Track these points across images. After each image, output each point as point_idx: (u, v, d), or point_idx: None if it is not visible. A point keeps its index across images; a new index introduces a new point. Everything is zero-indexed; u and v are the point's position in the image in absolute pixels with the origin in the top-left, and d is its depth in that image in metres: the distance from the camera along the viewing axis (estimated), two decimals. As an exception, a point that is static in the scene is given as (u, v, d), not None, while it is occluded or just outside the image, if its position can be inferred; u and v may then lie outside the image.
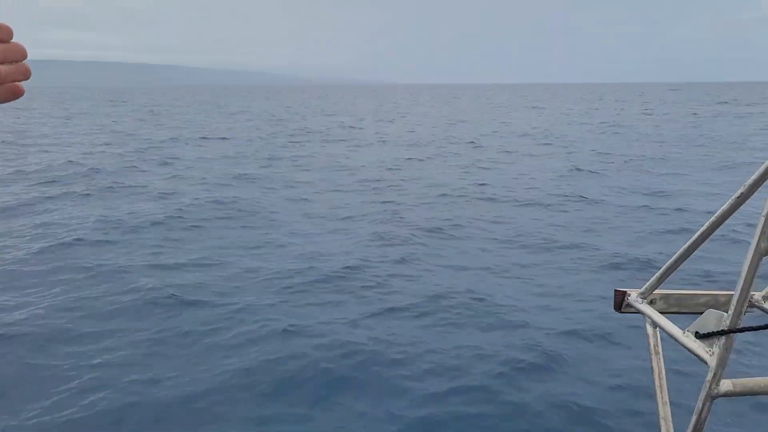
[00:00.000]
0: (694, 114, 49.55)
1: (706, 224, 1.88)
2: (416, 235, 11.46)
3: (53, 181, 17.60)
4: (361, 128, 39.14)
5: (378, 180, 18.29)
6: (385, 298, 8.11)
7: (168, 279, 8.76)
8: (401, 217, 13.01)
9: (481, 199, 15.21)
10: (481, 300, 7.99)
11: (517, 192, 16.09)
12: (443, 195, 15.65)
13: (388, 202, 14.73)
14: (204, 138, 31.96)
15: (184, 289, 8.34)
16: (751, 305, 2.27)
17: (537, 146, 27.32)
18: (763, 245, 1.68)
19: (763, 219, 1.64)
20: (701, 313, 2.36)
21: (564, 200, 14.75)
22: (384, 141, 30.40)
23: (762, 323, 2.06)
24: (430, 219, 12.85)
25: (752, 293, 2.17)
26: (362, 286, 8.59)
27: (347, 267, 9.35)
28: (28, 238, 11.27)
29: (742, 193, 1.74)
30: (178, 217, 12.82)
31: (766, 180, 1.68)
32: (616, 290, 2.36)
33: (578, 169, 19.80)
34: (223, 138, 32.22)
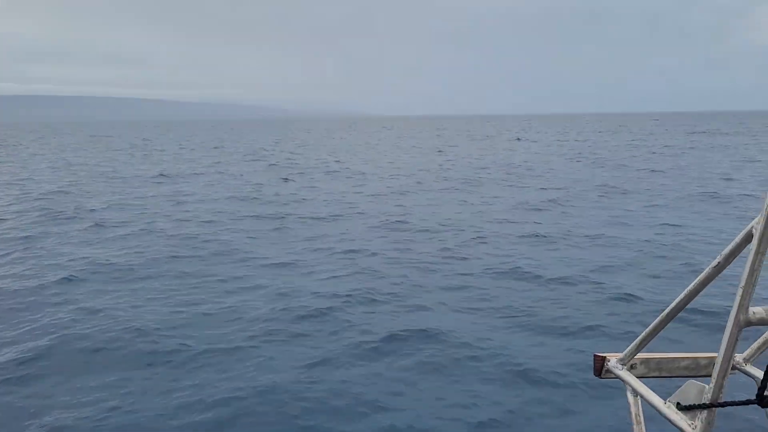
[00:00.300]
0: (667, 146, 50.17)
1: (684, 293, 1.86)
2: (401, 271, 11.42)
3: (40, 220, 17.42)
4: (348, 163, 39.28)
5: (363, 213, 18.29)
6: (366, 338, 8.02)
7: (150, 319, 8.66)
8: (386, 252, 12.98)
9: (464, 233, 15.19)
10: (465, 341, 7.87)
11: (502, 225, 16.12)
12: (425, 231, 15.63)
13: (379, 237, 14.68)
14: (192, 174, 31.83)
15: (165, 330, 8.24)
16: (733, 368, 2.22)
17: (527, 179, 27.47)
18: (741, 317, 1.65)
19: (740, 291, 1.62)
20: (683, 376, 2.31)
21: (549, 233, 14.78)
22: (370, 175, 30.49)
23: (745, 392, 2.00)
24: (420, 253, 12.82)
25: (734, 354, 2.12)
26: (340, 325, 8.53)
27: (324, 305, 9.30)
28: (17, 276, 11.13)
29: (719, 263, 1.73)
30: (161, 256, 12.68)
31: (742, 250, 1.65)
32: (595, 355, 2.31)
33: (563, 203, 19.94)
34: (210, 173, 32.14)
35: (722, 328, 1.69)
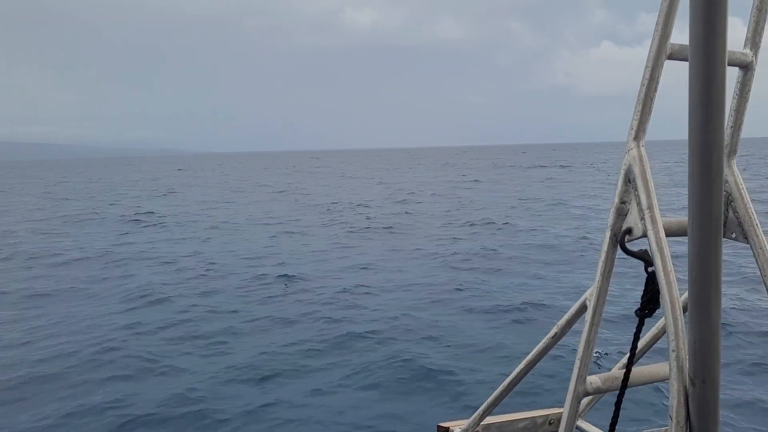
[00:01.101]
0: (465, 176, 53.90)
1: (523, 363, 1.84)
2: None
3: None
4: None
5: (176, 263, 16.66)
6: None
7: None
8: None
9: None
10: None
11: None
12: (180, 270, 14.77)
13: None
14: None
15: None
16: None
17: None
18: (580, 389, 1.62)
19: (577, 362, 1.59)
20: None
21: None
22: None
23: None
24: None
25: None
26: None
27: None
28: None
29: (556, 333, 1.71)
30: None
31: (577, 320, 1.64)
32: (438, 426, 2.24)
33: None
34: None
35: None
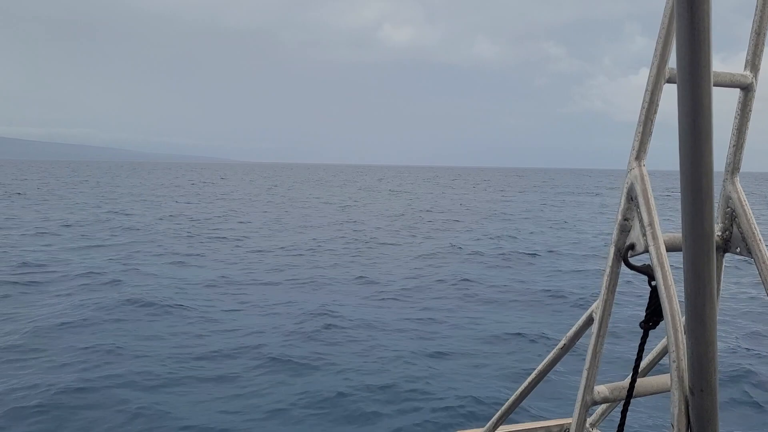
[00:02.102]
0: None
1: (535, 372, 1.90)
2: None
3: None
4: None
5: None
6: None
7: None
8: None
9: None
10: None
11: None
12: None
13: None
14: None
15: None
16: None
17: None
18: (588, 398, 1.67)
19: (585, 372, 1.65)
20: None
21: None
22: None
23: None
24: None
25: None
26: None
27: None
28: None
29: (564, 344, 1.77)
30: None
31: (584, 332, 1.70)
32: (458, 432, 2.30)
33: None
34: None
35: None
